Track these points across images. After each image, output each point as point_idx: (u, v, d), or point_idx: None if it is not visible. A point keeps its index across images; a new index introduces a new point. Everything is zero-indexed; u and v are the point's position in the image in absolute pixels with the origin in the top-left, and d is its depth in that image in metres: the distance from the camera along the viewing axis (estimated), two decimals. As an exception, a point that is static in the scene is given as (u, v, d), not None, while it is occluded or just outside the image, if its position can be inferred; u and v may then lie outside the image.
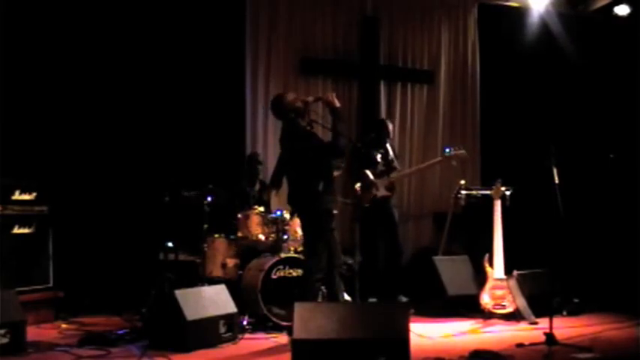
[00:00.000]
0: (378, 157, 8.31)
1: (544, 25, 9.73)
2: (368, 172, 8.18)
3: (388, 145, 8.50)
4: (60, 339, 6.39)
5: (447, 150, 8.41)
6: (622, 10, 9.57)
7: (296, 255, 7.14)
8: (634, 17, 9.64)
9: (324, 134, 8.42)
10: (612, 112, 9.85)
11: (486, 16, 9.99)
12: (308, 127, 6.40)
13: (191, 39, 8.37)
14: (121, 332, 6.41)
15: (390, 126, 8.71)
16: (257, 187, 8.15)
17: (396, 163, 8.46)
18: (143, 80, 8.17)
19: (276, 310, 6.78)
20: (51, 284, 7.32)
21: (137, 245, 7.84)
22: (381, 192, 8.21)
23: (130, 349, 5.95)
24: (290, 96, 6.46)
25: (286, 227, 7.33)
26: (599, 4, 9.81)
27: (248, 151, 8.59)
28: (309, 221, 6.34)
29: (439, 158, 8.55)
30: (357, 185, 7.77)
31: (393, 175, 8.32)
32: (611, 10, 9.65)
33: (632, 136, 9.65)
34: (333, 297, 6.32)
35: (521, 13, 9.77)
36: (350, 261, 7.65)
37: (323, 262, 6.19)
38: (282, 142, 6.53)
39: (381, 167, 8.32)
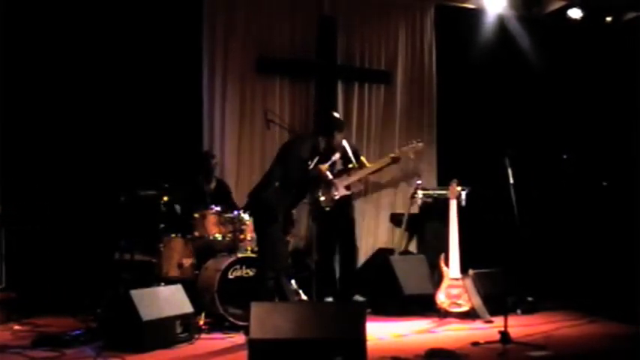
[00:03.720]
0: (336, 156, 8.28)
1: (500, 27, 9.82)
2: (327, 173, 8.09)
3: (345, 142, 8.47)
4: (12, 340, 6.29)
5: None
6: (575, 13, 9.72)
7: (253, 255, 7.12)
8: (587, 20, 9.80)
9: (282, 133, 8.50)
10: (567, 112, 10.00)
11: (443, 18, 10.04)
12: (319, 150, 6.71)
13: (148, 37, 8.29)
14: (75, 333, 6.31)
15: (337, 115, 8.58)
16: (213, 185, 8.11)
17: (354, 161, 8.43)
18: (99, 79, 8.09)
19: (232, 310, 6.75)
20: (3, 285, 7.21)
21: (92, 245, 7.76)
22: (341, 192, 8.19)
23: (84, 351, 5.88)
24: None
25: (243, 227, 7.30)
26: (553, 7, 9.94)
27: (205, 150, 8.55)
28: (256, 220, 6.52)
29: (391, 155, 8.61)
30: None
31: (350, 179, 8.30)
32: (565, 13, 9.79)
33: (585, 137, 9.83)
34: (282, 299, 6.36)
35: (477, 14, 9.84)
36: (307, 261, 7.66)
37: (276, 261, 6.28)
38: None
39: (339, 166, 8.30)
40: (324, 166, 7.68)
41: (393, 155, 8.61)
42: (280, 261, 6.47)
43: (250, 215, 6.97)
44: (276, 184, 6.39)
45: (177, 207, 7.43)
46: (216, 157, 8.35)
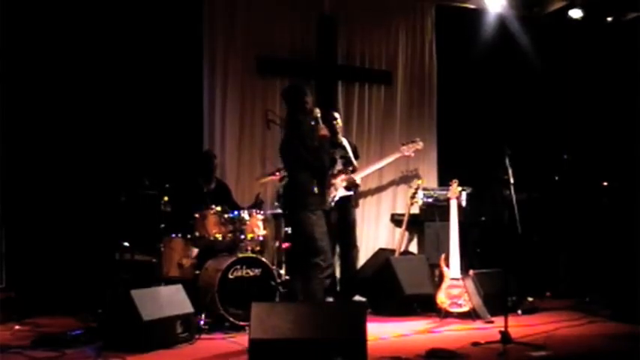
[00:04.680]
0: (337, 155, 8.29)
1: (500, 27, 9.82)
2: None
3: (345, 141, 8.50)
4: (13, 340, 6.28)
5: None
6: (575, 13, 9.72)
7: (253, 255, 7.13)
8: (587, 20, 9.81)
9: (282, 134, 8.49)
10: (568, 112, 10.02)
11: (443, 18, 10.05)
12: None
13: (148, 38, 8.29)
14: (75, 333, 6.31)
15: (337, 115, 8.59)
16: (213, 185, 8.11)
17: (354, 162, 8.45)
18: (100, 78, 8.09)
19: (233, 310, 6.75)
20: (3, 284, 7.21)
21: (93, 245, 7.76)
22: (340, 192, 8.19)
23: (84, 351, 5.88)
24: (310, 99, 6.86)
25: (244, 227, 7.30)
26: (553, 8, 9.95)
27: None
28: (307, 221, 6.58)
29: (396, 155, 8.70)
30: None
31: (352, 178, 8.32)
32: (566, 14, 9.80)
33: (586, 137, 9.84)
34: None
35: (477, 14, 9.85)
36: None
37: (328, 259, 6.63)
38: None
39: (338, 166, 8.30)
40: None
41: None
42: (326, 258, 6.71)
43: (290, 216, 6.95)
44: (315, 189, 6.55)
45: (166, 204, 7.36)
46: (217, 157, 8.36)
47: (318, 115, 6.69)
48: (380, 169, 9.16)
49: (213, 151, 8.44)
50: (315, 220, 6.57)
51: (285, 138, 6.79)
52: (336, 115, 8.52)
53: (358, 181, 8.49)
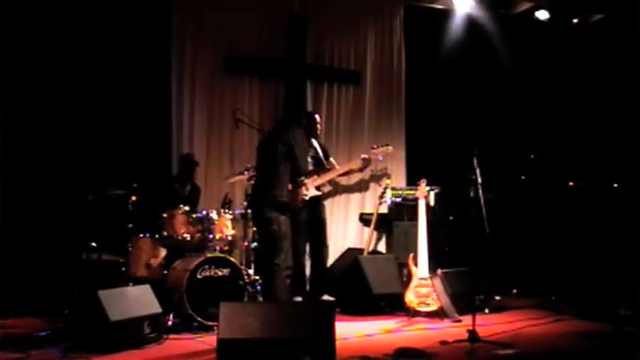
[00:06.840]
0: (308, 155, 8.30)
1: (468, 27, 9.88)
2: None
3: (315, 143, 8.52)
4: (-23, 342, 6.21)
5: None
6: (542, 15, 9.82)
7: (222, 255, 7.11)
8: (554, 21, 9.90)
9: (251, 133, 8.47)
10: (535, 112, 10.11)
11: (412, 18, 10.09)
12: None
13: (116, 37, 8.22)
14: (42, 334, 6.27)
15: (318, 118, 8.69)
16: (187, 188, 8.05)
17: (325, 162, 8.49)
18: (67, 79, 8.00)
19: (210, 308, 6.70)
20: (-33, 285, 7.12)
21: (60, 245, 7.67)
22: (311, 192, 8.19)
23: (51, 352, 5.82)
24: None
25: (212, 227, 7.28)
26: (520, 9, 10.03)
27: (174, 149, 8.50)
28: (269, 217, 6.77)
29: (363, 157, 8.73)
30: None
31: (320, 179, 8.33)
32: (533, 15, 9.88)
33: (554, 137, 9.93)
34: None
35: (446, 15, 9.90)
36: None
37: (288, 259, 6.79)
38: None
39: (310, 167, 8.30)
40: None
41: (364, 157, 8.68)
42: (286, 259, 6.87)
43: (259, 214, 7.01)
44: (289, 185, 6.87)
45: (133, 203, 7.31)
46: (198, 162, 8.31)
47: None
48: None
49: (182, 150, 8.40)
50: (283, 220, 6.71)
51: (272, 132, 6.98)
52: (317, 117, 8.59)
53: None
